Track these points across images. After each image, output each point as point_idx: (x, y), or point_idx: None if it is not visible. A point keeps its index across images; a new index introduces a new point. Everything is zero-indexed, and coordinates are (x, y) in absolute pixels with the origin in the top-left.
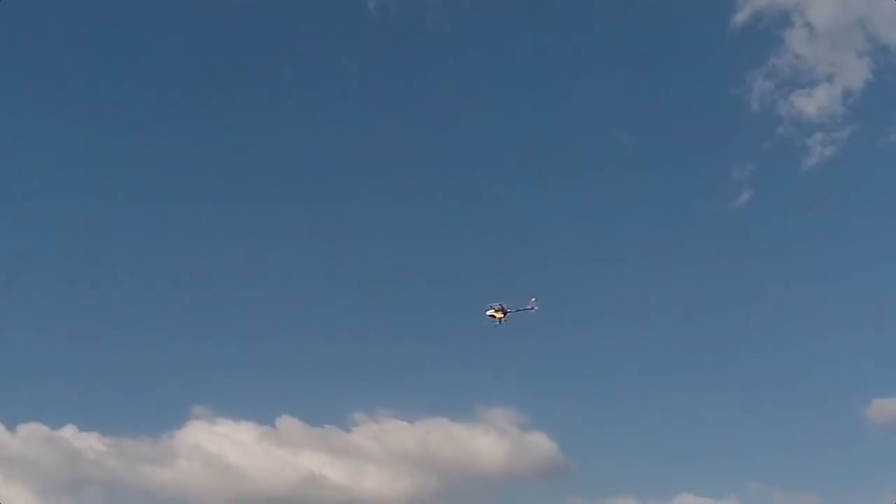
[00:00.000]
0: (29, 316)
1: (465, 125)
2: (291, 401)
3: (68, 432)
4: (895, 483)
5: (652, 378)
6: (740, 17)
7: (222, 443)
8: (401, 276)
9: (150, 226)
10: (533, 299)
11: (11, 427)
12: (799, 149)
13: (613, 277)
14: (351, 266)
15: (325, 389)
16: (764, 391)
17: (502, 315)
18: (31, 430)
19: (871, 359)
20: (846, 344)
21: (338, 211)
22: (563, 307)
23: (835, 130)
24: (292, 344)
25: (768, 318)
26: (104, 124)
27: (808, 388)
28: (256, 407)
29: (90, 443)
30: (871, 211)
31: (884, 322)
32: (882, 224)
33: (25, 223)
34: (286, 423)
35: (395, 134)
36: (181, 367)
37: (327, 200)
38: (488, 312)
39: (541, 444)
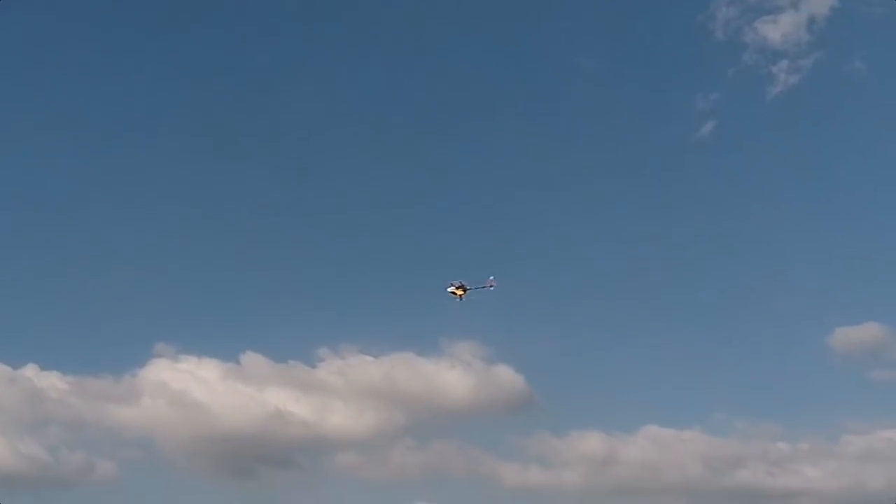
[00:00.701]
0: None
1: (432, 55)
2: (255, 336)
3: (30, 371)
4: (857, 411)
5: (616, 311)
6: None
7: (186, 380)
8: (365, 209)
9: (114, 163)
10: (491, 277)
11: None
12: (764, 77)
13: (577, 205)
14: (316, 200)
15: (290, 325)
16: (727, 322)
17: (462, 292)
18: None
19: (833, 288)
20: (809, 273)
21: (304, 145)
22: (526, 236)
23: (800, 58)
24: (255, 279)
25: (731, 249)
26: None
27: (772, 318)
28: (220, 343)
29: (52, 382)
30: (836, 139)
31: (846, 251)
32: (846, 153)
33: None
34: (250, 359)
35: (368, 64)
36: (142, 303)
37: (294, 133)
38: (449, 289)
39: (507, 377)
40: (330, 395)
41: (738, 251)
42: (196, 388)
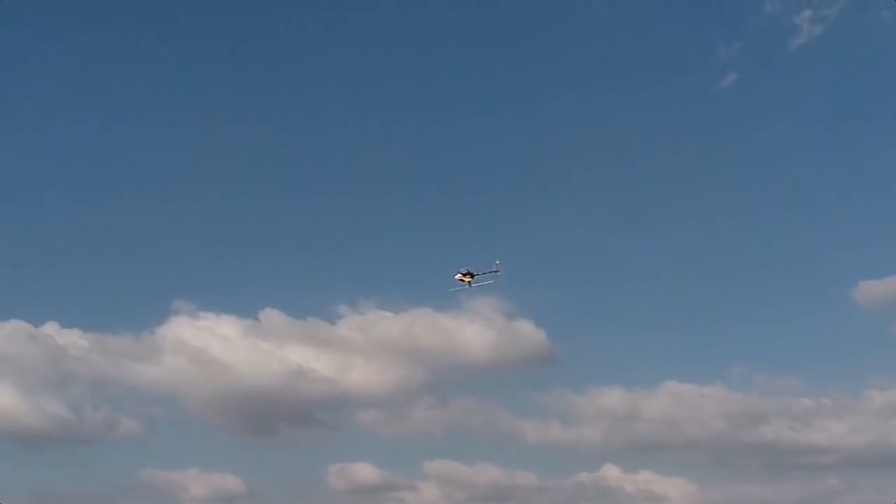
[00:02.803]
0: (4, 211)
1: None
2: (274, 293)
3: (51, 329)
4: (880, 366)
5: (638, 264)
6: None
7: (206, 337)
8: (384, 166)
9: (134, 114)
10: (497, 262)
11: None
12: (787, 27)
13: (596, 155)
14: (334, 156)
15: (308, 281)
16: (749, 275)
17: (470, 278)
18: (14, 328)
19: (858, 241)
20: (833, 226)
21: (324, 101)
22: (546, 188)
23: (824, 7)
24: (272, 235)
25: (755, 201)
26: None
27: (794, 271)
28: (238, 300)
29: (73, 339)
30: (860, 91)
31: (871, 204)
32: (870, 104)
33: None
34: (269, 315)
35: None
36: (159, 260)
37: (312, 89)
38: (456, 276)
39: (528, 332)
40: (350, 352)
41: (760, 203)
42: (216, 346)
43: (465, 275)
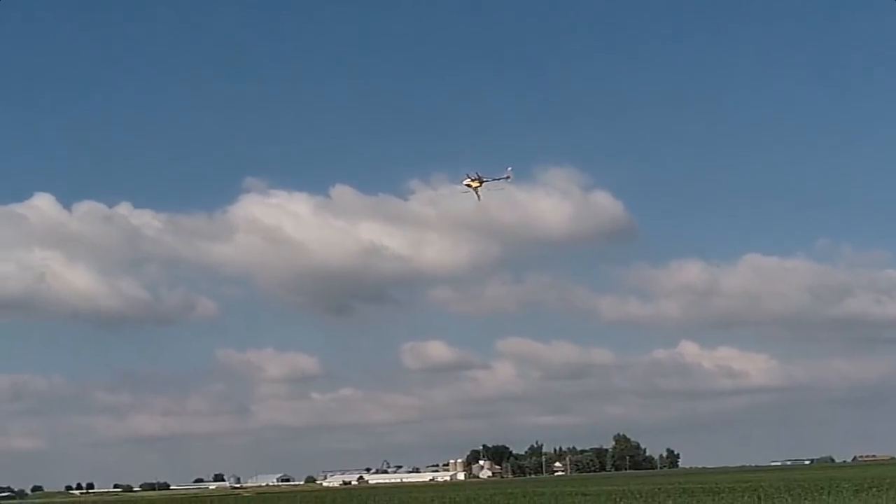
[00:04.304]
0: (75, 93)
1: None
2: (344, 169)
3: (124, 209)
4: None
5: (717, 132)
6: None
7: (278, 215)
8: (455, 39)
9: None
10: (509, 168)
11: (67, 205)
12: None
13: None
14: (405, 33)
15: (378, 155)
16: (834, 143)
17: (478, 184)
18: (88, 209)
19: None
20: None
21: None
22: (617, 58)
23: None
24: (338, 109)
25: (838, 71)
26: None
27: (879, 138)
28: (308, 176)
29: (146, 220)
30: None
31: None
32: None
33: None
34: (340, 192)
35: None
36: (229, 138)
37: None
38: (465, 182)
39: (605, 203)
40: (423, 228)
41: (845, 75)
42: (288, 223)
43: (473, 180)
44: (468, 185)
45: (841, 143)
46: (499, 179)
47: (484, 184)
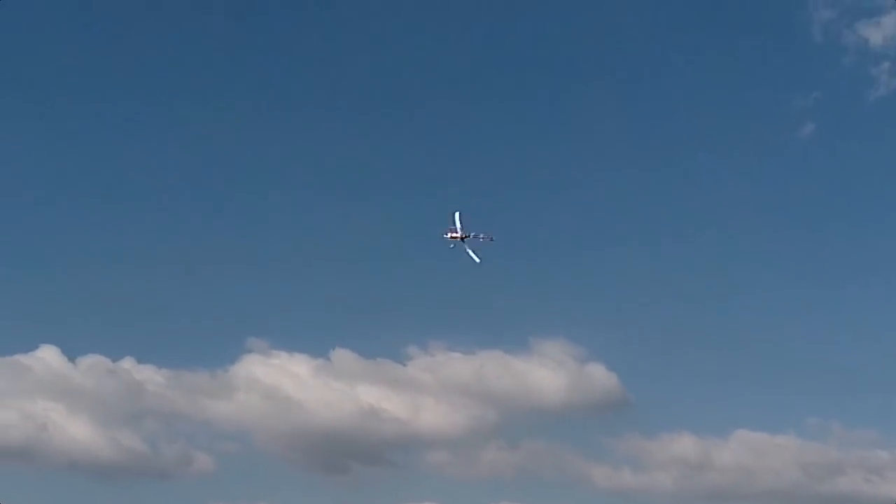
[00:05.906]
0: (87, 250)
1: None
2: (344, 334)
3: (128, 364)
4: None
5: (711, 310)
6: None
7: (278, 375)
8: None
9: (201, 161)
10: (490, 232)
11: (72, 358)
12: (864, 79)
13: (671, 198)
14: (401, 190)
15: (378, 323)
16: (824, 324)
17: (462, 238)
18: (92, 362)
19: None
20: None
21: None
22: (609, 232)
23: None
24: (342, 276)
25: (832, 252)
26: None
27: (867, 318)
28: (310, 339)
29: (149, 375)
30: None
31: None
32: None
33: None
34: (340, 355)
35: None
36: (234, 299)
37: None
38: (449, 235)
39: (600, 376)
40: (421, 393)
41: (838, 251)
42: (289, 384)
43: (455, 234)
44: (452, 238)
45: (830, 324)
46: (483, 238)
47: (465, 239)
